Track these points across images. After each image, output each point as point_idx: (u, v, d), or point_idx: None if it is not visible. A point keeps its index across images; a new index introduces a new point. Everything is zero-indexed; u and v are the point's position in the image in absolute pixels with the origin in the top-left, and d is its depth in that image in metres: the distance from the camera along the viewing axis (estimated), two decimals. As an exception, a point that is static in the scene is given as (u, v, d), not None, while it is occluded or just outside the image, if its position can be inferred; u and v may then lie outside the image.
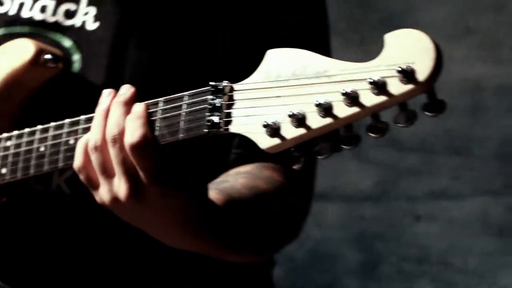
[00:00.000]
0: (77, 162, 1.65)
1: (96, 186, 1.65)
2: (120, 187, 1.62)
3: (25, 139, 1.84)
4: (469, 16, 3.36)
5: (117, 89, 1.68)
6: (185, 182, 1.64)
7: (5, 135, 1.87)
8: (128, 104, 1.64)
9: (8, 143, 1.86)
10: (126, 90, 1.65)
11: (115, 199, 1.63)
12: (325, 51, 1.83)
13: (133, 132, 1.59)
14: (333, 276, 3.49)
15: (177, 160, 1.65)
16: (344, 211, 3.44)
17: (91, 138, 1.64)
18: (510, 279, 3.41)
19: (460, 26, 3.35)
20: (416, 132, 3.26)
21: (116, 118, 1.63)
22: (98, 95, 1.72)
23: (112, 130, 1.61)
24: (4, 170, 1.86)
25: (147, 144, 1.59)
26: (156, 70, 1.90)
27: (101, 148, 1.63)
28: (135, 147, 1.59)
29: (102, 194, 1.65)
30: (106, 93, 1.66)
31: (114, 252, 1.95)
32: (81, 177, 1.66)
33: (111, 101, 1.65)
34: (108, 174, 1.63)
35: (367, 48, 3.40)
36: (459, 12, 3.36)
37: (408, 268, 3.47)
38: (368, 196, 3.47)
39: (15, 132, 1.86)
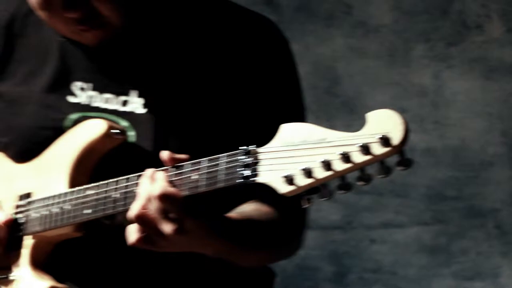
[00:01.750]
0: (134, 210, 1.64)
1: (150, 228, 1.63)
2: (167, 227, 1.61)
3: (102, 188, 1.79)
4: (402, 100, 3.33)
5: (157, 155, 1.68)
6: (208, 212, 1.63)
7: (86, 186, 1.82)
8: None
9: (90, 192, 1.81)
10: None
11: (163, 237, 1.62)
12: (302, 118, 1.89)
13: (167, 190, 1.60)
14: (314, 283, 3.47)
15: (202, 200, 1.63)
16: (321, 236, 3.42)
17: (143, 193, 1.63)
18: (439, 285, 3.40)
19: (397, 107, 3.35)
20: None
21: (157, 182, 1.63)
22: (147, 160, 1.74)
23: (156, 190, 1.60)
24: (88, 211, 1.81)
25: (174, 196, 1.59)
26: (187, 141, 1.85)
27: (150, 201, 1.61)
28: (165, 198, 1.59)
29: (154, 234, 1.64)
30: (151, 171, 1.67)
31: (164, 273, 1.90)
32: (138, 221, 1.64)
33: (153, 172, 1.65)
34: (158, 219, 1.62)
35: (332, 122, 3.38)
36: (395, 97, 3.35)
37: (366, 276, 3.44)
38: (337, 226, 3.43)
39: (94, 184, 1.81)
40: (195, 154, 1.67)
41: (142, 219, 1.62)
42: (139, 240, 1.65)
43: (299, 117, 1.91)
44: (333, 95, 3.39)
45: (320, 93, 3.33)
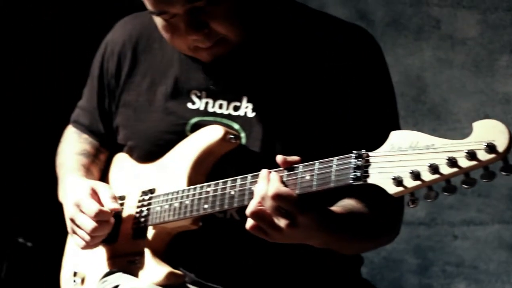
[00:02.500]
0: (250, 207, 1.65)
1: (265, 222, 1.64)
2: (280, 222, 1.61)
3: (220, 186, 1.81)
4: (486, 107, 3.26)
5: (269, 156, 1.71)
6: (317, 208, 1.64)
7: (205, 184, 1.84)
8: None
9: (208, 189, 1.83)
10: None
11: (278, 229, 1.63)
12: (397, 127, 1.87)
13: (280, 190, 1.61)
14: (400, 274, 3.41)
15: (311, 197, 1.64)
16: (406, 231, 3.37)
17: (259, 192, 1.64)
18: (518, 279, 3.31)
19: (481, 113, 3.26)
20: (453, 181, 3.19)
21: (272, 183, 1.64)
22: (257, 159, 1.78)
23: (270, 190, 1.61)
24: (206, 206, 1.82)
25: (287, 196, 1.60)
26: (291, 143, 1.86)
27: (265, 200, 1.63)
28: (278, 198, 1.60)
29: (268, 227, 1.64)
30: (265, 172, 1.68)
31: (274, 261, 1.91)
32: (254, 217, 1.65)
33: (268, 172, 1.66)
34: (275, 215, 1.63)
35: (419, 127, 3.34)
36: (479, 104, 3.27)
37: (449, 269, 3.37)
38: (422, 222, 3.38)
39: (213, 182, 1.83)
40: (297, 155, 1.68)
41: (258, 215, 1.63)
42: (255, 231, 1.66)
43: (395, 122, 1.91)
44: (420, 102, 3.34)
45: (408, 100, 3.29)
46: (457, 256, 3.32)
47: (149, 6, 1.81)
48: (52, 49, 3.19)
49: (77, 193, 1.94)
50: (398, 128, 1.85)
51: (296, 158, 1.66)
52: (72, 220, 1.93)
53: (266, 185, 1.63)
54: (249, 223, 1.65)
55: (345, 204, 1.78)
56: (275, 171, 1.66)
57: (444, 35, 3.29)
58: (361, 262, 2.04)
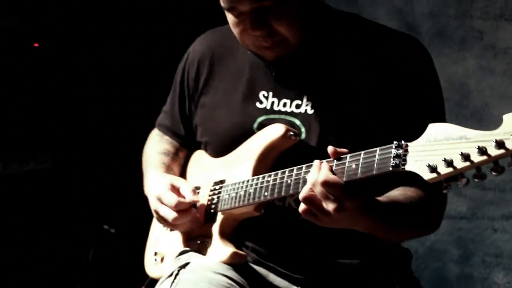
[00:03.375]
0: (303, 192, 1.67)
1: (315, 206, 1.66)
2: (329, 206, 1.63)
3: (279, 176, 1.84)
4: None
5: (325, 148, 1.70)
6: (362, 195, 1.64)
7: (267, 174, 1.87)
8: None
9: (269, 179, 1.86)
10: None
11: (326, 213, 1.64)
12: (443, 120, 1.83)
13: (329, 178, 1.62)
14: (442, 263, 3.38)
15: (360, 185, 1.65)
16: (449, 224, 3.33)
17: (310, 180, 1.66)
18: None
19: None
20: (493, 179, 3.12)
21: (322, 171, 1.65)
22: (315, 152, 1.78)
23: (320, 177, 1.63)
24: (266, 193, 1.85)
25: (335, 182, 1.62)
26: (345, 136, 1.87)
27: (316, 186, 1.64)
28: (327, 184, 1.62)
29: (318, 211, 1.66)
30: (317, 163, 1.69)
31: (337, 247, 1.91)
32: (305, 202, 1.67)
33: (319, 162, 1.68)
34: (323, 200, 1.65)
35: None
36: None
37: (488, 260, 3.33)
38: (463, 216, 3.34)
39: (273, 172, 1.86)
40: (350, 147, 1.70)
41: (309, 200, 1.65)
42: (306, 214, 1.68)
43: (441, 117, 1.89)
44: (463, 107, 3.31)
45: (452, 105, 3.26)
46: (496, 248, 3.28)
47: (221, 2, 1.84)
48: (147, 64, 3.27)
49: (158, 188, 2.00)
50: (444, 121, 1.82)
51: (344, 150, 1.67)
52: (156, 212, 2.00)
53: (317, 173, 1.64)
54: (301, 207, 1.66)
55: (390, 194, 1.78)
56: (326, 161, 1.68)
57: (486, 45, 3.25)
58: (410, 257, 2.03)
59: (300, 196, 1.65)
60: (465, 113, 3.31)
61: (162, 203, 1.95)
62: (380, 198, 1.72)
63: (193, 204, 1.98)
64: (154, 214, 2.02)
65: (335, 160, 1.67)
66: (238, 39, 1.93)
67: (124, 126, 3.16)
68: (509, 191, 3.24)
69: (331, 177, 1.62)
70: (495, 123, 3.46)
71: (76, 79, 3.12)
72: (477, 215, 3.32)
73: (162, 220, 1.99)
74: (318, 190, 1.62)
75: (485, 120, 3.26)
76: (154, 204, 1.99)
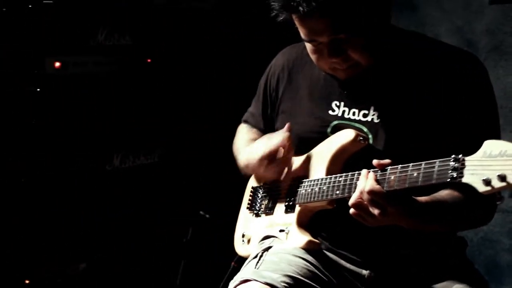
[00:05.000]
0: (352, 199, 1.69)
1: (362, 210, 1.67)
2: (374, 211, 1.64)
3: (349, 177, 1.81)
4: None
5: (391, 153, 1.69)
6: (403, 201, 1.64)
7: (339, 174, 1.86)
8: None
9: (340, 179, 1.85)
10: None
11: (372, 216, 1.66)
12: (497, 136, 1.76)
13: (373, 187, 1.64)
14: (495, 252, 3.29)
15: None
16: (501, 217, 3.23)
17: (358, 187, 1.68)
18: None
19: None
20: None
21: (369, 180, 1.66)
22: (381, 156, 1.72)
23: (366, 186, 1.65)
24: (338, 191, 1.84)
25: (378, 191, 1.63)
26: (407, 144, 1.83)
27: (363, 192, 1.66)
28: (373, 194, 1.64)
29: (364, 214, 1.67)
30: (365, 172, 1.69)
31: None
32: (354, 207, 1.69)
33: (367, 172, 1.69)
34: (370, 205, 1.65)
35: None
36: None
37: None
38: (515, 212, 3.21)
39: (344, 174, 1.84)
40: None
41: (357, 206, 1.68)
42: (356, 216, 1.70)
43: (496, 132, 1.83)
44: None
45: (506, 111, 3.15)
46: (545, 239, 3.17)
47: (302, 35, 1.82)
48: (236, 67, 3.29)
49: (257, 147, 2.01)
50: (499, 137, 1.76)
51: (387, 161, 1.68)
52: (264, 156, 1.98)
53: (365, 181, 1.66)
54: (351, 210, 1.69)
55: (437, 194, 1.75)
56: (373, 170, 1.68)
57: (538, 58, 3.15)
58: (465, 245, 1.98)
59: (350, 202, 1.67)
60: (518, 119, 3.19)
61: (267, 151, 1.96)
62: (424, 199, 1.69)
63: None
64: (257, 169, 2.02)
65: (379, 170, 1.67)
66: (315, 62, 1.92)
67: (218, 122, 3.17)
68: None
69: (376, 187, 1.63)
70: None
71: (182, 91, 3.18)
72: (527, 209, 3.21)
73: (266, 168, 1.98)
74: (365, 197, 1.64)
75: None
76: (262, 150, 1.98)
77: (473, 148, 1.49)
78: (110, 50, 2.81)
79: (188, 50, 3.13)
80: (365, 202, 1.64)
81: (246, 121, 2.26)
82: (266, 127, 2.19)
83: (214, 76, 3.26)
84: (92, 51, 2.75)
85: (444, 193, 1.73)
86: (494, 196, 1.44)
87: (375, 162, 1.67)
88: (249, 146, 2.12)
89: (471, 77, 1.82)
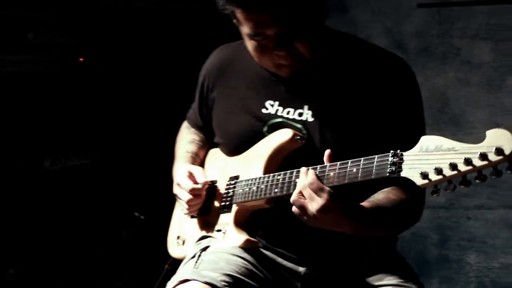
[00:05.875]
0: (292, 196, 1.68)
1: (302, 208, 1.65)
2: (313, 208, 1.63)
3: (287, 175, 1.81)
4: (497, 117, 3.17)
5: (324, 151, 1.68)
6: (344, 200, 1.63)
7: (277, 173, 1.85)
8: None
9: (279, 177, 1.83)
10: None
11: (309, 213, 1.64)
12: (423, 132, 1.80)
13: (314, 181, 1.64)
14: (424, 246, 3.36)
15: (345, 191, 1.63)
16: (430, 213, 3.31)
17: (299, 184, 1.67)
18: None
19: (492, 122, 3.17)
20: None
21: (308, 177, 1.66)
22: (317, 154, 1.73)
23: (306, 183, 1.64)
24: (276, 190, 1.83)
25: (318, 186, 1.62)
26: (342, 143, 1.83)
27: (304, 189, 1.65)
28: (313, 187, 1.63)
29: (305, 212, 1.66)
30: (304, 169, 1.69)
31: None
32: (295, 204, 1.68)
33: (306, 169, 1.68)
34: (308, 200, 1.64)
35: (442, 133, 3.21)
36: (491, 115, 3.19)
37: (463, 243, 3.30)
38: (442, 206, 3.31)
39: (282, 172, 1.83)
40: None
41: (298, 203, 1.66)
42: (297, 215, 1.68)
43: (422, 129, 1.86)
44: (443, 113, 3.26)
45: (434, 111, 3.22)
46: (470, 233, 3.25)
47: (247, 29, 1.78)
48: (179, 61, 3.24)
49: (179, 175, 2.01)
50: (424, 133, 1.79)
51: (329, 151, 1.68)
52: (176, 195, 2.02)
53: (305, 178, 1.65)
54: (293, 208, 1.68)
55: (374, 198, 1.76)
56: (312, 168, 1.68)
57: (463, 60, 3.22)
58: (395, 240, 2.00)
59: (291, 199, 1.66)
60: (445, 118, 3.26)
61: (181, 187, 1.98)
62: (364, 204, 1.70)
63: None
64: (176, 198, 2.03)
65: (318, 167, 1.67)
66: (257, 60, 1.89)
67: (158, 119, 3.13)
68: (480, 185, 3.19)
69: (316, 181, 1.63)
70: (470, 128, 3.40)
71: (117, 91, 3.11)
72: (454, 205, 3.29)
73: (180, 203, 2.01)
74: (305, 193, 1.63)
75: (462, 125, 3.22)
76: (175, 189, 2.00)
77: (405, 144, 1.51)
78: (44, 48, 2.73)
79: (123, 49, 3.07)
80: (306, 199, 1.63)
81: (188, 118, 2.25)
82: (204, 125, 2.17)
83: (149, 76, 3.21)
84: (25, 50, 2.67)
85: (380, 197, 1.75)
86: (424, 191, 1.45)
87: (326, 156, 1.66)
88: (176, 166, 2.11)
89: (399, 79, 1.85)
